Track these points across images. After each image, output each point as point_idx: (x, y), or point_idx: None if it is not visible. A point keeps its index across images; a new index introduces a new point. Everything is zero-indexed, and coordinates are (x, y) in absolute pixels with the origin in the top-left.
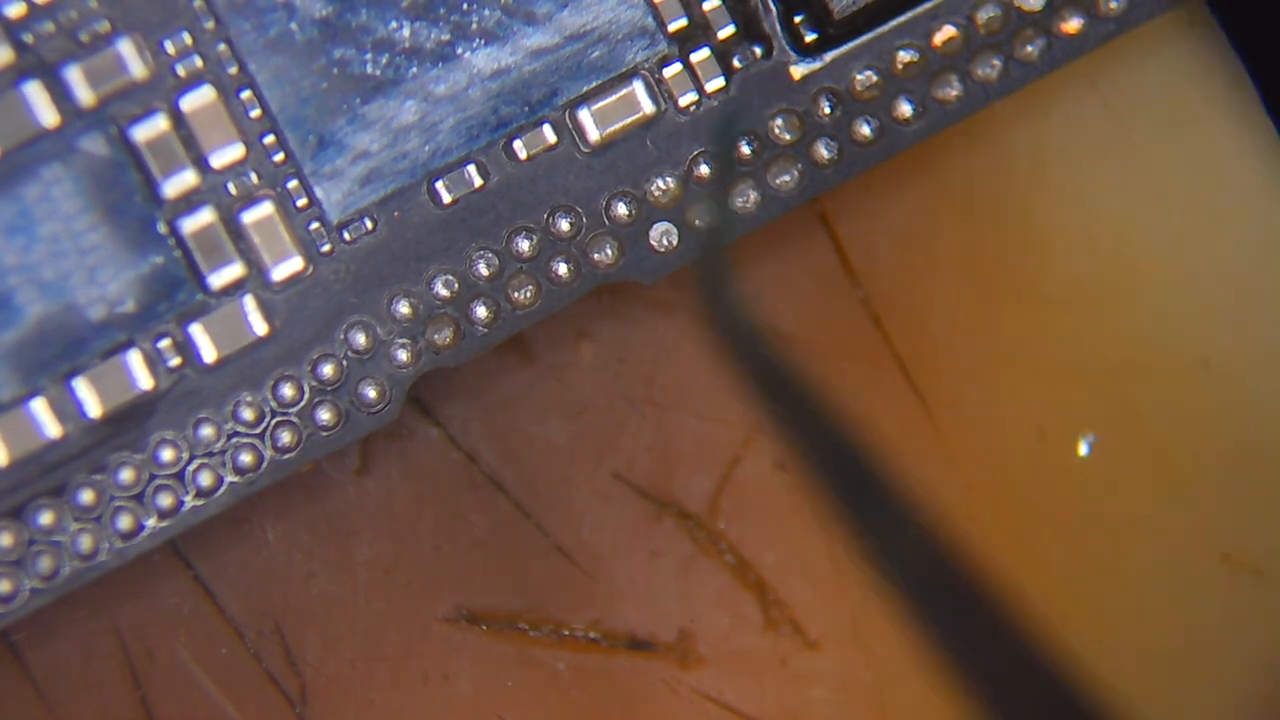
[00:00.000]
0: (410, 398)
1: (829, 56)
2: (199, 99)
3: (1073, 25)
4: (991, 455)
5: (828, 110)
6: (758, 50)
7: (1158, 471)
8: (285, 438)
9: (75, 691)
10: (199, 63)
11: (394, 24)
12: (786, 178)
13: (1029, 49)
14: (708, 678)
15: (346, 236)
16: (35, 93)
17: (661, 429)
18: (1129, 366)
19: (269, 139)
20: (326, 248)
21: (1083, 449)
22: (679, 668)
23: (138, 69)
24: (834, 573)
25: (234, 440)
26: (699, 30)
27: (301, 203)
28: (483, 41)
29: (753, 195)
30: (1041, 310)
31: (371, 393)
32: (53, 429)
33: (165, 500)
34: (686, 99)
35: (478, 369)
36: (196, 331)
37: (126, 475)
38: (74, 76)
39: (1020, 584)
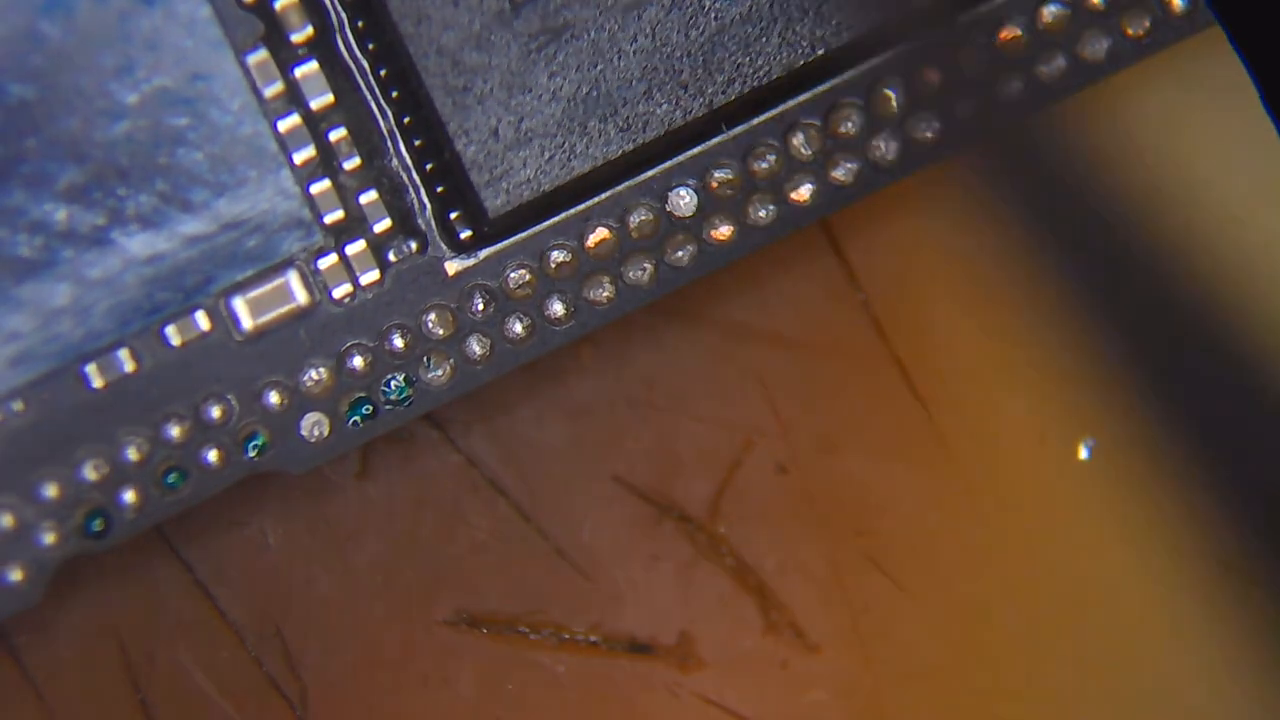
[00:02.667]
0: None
1: (483, 254)
2: None
3: (723, 232)
4: (992, 459)
5: (480, 307)
6: (413, 245)
7: (1158, 476)
8: None
9: (75, 695)
10: None
11: (49, 206)
12: (438, 373)
13: (679, 254)
14: (708, 681)
15: None
16: None
17: (662, 432)
18: (1130, 371)
19: None
20: None
21: (1083, 453)
22: (679, 671)
23: None
24: (834, 576)
25: None
26: (355, 223)
27: None
28: (138, 227)
29: (406, 388)
30: (1042, 314)
31: (15, 575)
32: None
33: None
34: (341, 290)
35: None
36: None
37: None
38: None
39: (1020, 586)
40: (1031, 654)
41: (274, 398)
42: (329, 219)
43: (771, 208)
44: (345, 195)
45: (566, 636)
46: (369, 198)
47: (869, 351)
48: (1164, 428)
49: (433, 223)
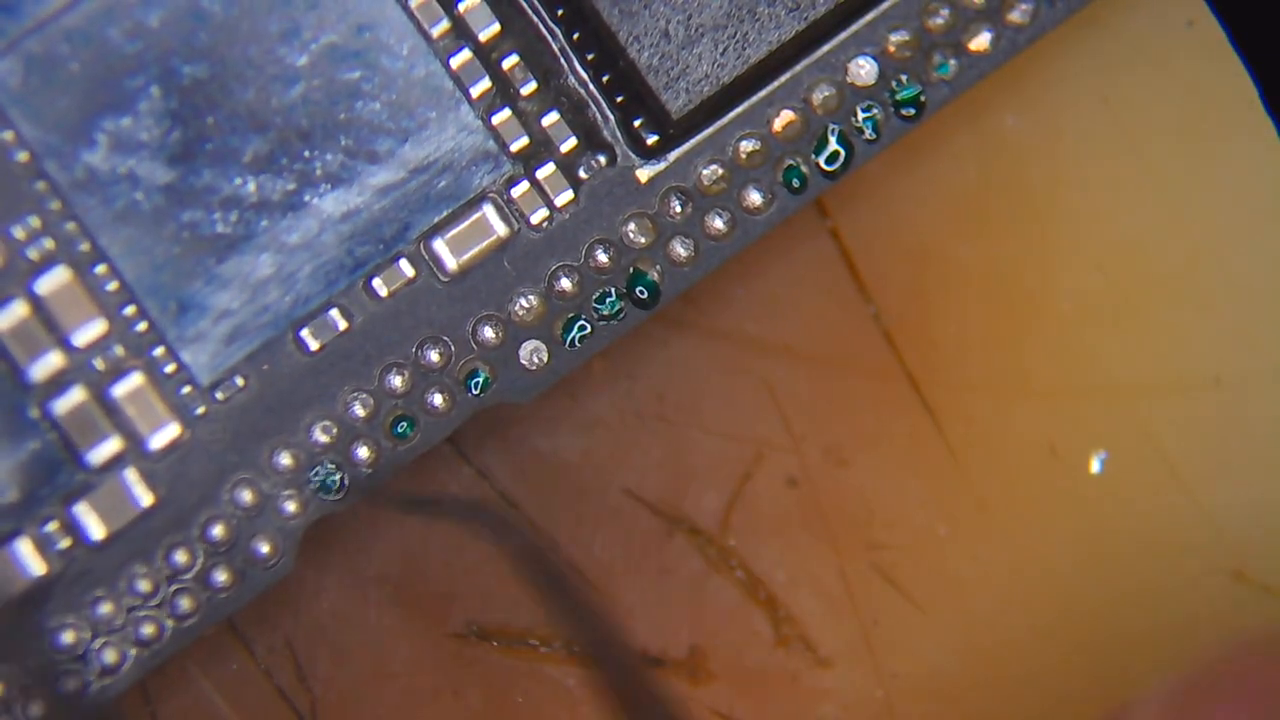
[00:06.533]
0: None
1: (672, 156)
2: (54, 280)
3: (906, 95)
4: (1003, 471)
5: (678, 209)
6: (602, 159)
7: (1169, 488)
8: (184, 604)
9: None
10: (50, 244)
11: (238, 180)
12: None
13: (868, 126)
14: (719, 694)
15: (219, 396)
16: None
17: (672, 445)
18: (1141, 383)
19: (129, 310)
20: (201, 410)
21: (1095, 465)
22: (690, 684)
23: None
24: (844, 589)
25: (134, 614)
26: (541, 147)
27: (170, 369)
28: (329, 186)
29: (618, 301)
30: (1054, 327)
31: (265, 548)
32: None
33: (71, 684)
34: (538, 216)
35: None
36: (82, 511)
37: (32, 664)
38: None
39: (1031, 599)
40: (1042, 665)
41: (489, 332)
42: (515, 147)
43: (954, 62)
44: (527, 121)
45: (577, 649)
46: (551, 119)
47: (880, 364)
48: (1175, 441)
49: (618, 133)
